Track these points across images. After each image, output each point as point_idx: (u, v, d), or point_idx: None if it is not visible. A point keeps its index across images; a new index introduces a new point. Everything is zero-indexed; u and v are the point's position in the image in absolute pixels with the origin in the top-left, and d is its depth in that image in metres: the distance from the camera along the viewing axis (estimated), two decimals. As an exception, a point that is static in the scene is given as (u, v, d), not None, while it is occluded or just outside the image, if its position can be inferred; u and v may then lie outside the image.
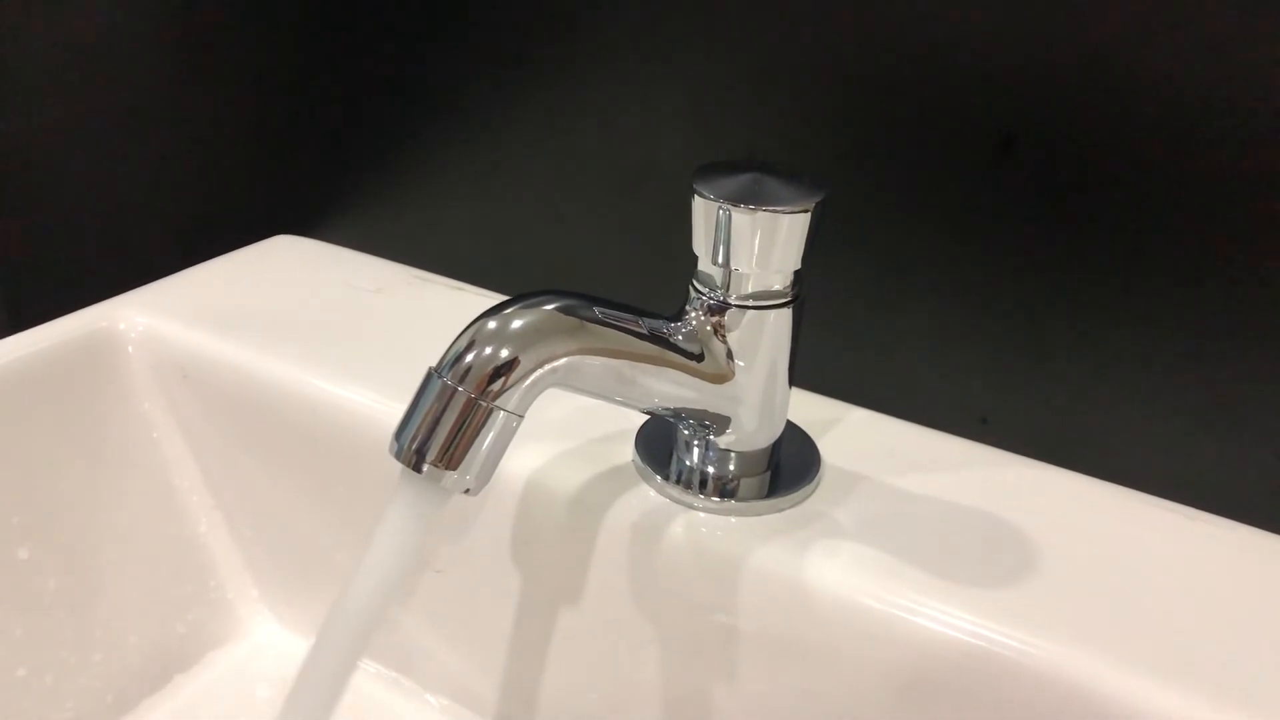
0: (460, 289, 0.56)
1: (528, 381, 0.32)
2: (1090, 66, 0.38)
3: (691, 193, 0.35)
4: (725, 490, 0.40)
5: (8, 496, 0.47)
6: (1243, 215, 0.37)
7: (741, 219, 0.34)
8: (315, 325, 0.52)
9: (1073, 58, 0.38)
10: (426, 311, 0.54)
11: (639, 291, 0.49)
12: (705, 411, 0.38)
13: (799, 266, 0.36)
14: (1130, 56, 0.37)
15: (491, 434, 0.32)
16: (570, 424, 0.44)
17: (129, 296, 0.54)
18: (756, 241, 0.34)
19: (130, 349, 0.52)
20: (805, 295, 0.37)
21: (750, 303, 0.36)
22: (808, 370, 0.46)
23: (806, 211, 0.34)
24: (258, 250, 0.61)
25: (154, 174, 0.67)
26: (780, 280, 0.36)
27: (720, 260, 0.35)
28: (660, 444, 0.42)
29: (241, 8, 0.57)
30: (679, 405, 0.37)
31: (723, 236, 0.35)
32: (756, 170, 0.36)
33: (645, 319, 0.36)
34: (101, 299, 0.54)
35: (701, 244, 0.36)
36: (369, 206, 0.59)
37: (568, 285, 0.36)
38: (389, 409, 0.45)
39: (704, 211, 0.35)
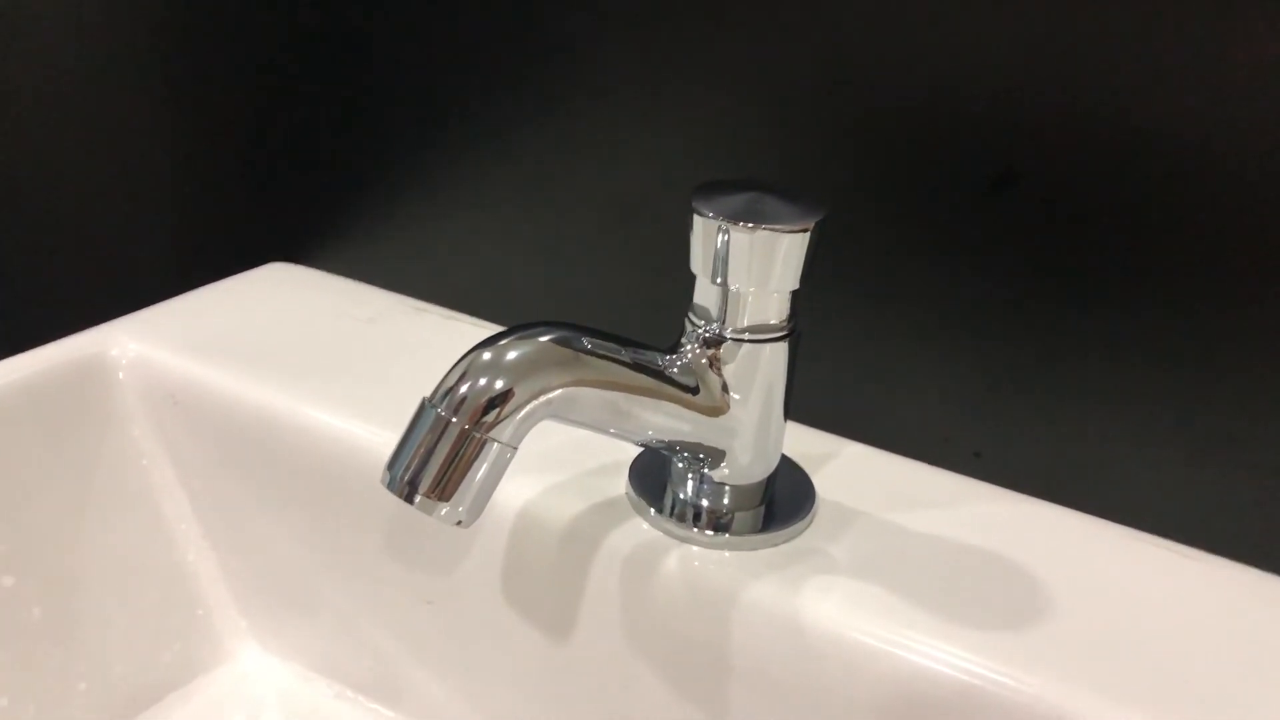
0: (454, 319, 0.56)
1: (522, 413, 0.32)
2: (1088, 103, 0.38)
3: (691, 211, 0.35)
4: (719, 524, 0.39)
5: (-6, 523, 0.47)
6: (1240, 252, 0.37)
7: (740, 238, 0.34)
8: (308, 354, 0.52)
9: (1071, 95, 0.38)
10: (420, 341, 0.54)
11: (635, 323, 0.49)
12: (700, 445, 0.38)
13: (796, 286, 0.36)
14: (1127, 94, 0.37)
15: (485, 466, 0.32)
16: (563, 456, 0.44)
17: (120, 322, 0.54)
18: (755, 260, 0.34)
19: (121, 375, 0.51)
20: (801, 329, 0.37)
21: (746, 336, 0.36)
22: (802, 404, 0.46)
23: (806, 231, 0.34)
24: (251, 277, 0.61)
25: (147, 200, 0.67)
26: (776, 312, 0.36)
27: (719, 280, 0.35)
28: (654, 477, 0.42)
29: (235, 33, 0.58)
30: (673, 438, 0.37)
31: (721, 255, 0.35)
32: (756, 189, 0.36)
33: (640, 351, 0.36)
34: (93, 324, 0.53)
35: (700, 263, 0.36)
36: (363, 234, 0.59)
37: (563, 316, 0.36)
38: (381, 439, 0.45)
39: (703, 230, 0.35)
